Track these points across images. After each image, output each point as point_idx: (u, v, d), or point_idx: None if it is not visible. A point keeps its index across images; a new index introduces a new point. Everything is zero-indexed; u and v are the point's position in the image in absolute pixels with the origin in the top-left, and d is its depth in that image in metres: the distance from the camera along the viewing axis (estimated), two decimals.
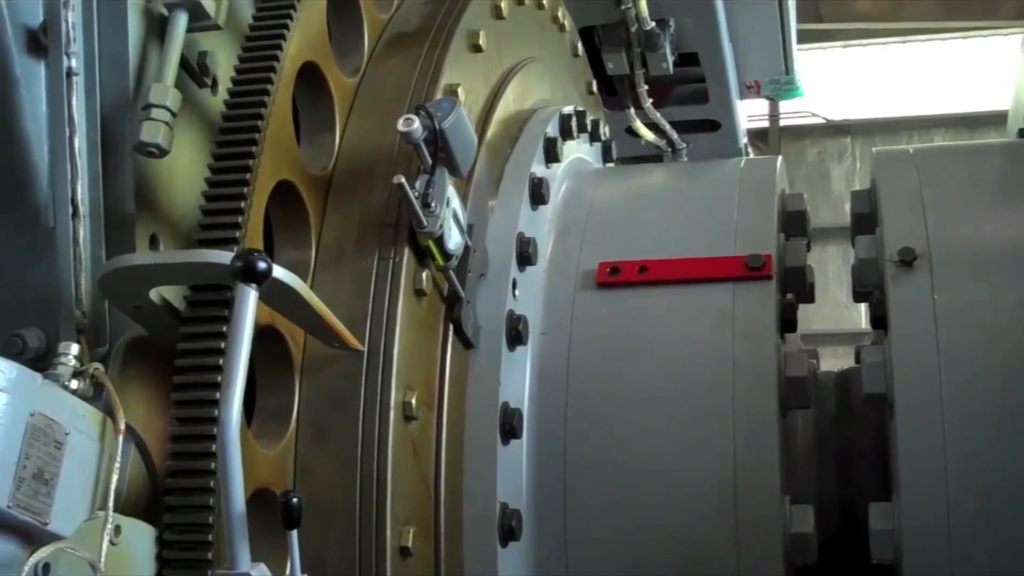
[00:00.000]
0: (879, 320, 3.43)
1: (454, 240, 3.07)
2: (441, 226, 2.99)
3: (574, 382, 3.41)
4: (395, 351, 2.93)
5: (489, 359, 3.29)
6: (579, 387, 3.41)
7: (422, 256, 3.06)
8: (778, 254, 3.54)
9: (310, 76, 3.18)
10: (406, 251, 3.02)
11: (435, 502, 3.06)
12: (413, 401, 2.95)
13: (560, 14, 4.60)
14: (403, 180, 2.86)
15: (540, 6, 4.36)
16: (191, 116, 2.94)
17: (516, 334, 3.36)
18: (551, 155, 3.82)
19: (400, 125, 2.87)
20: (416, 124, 2.86)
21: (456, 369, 3.21)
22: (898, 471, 3.11)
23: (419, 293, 3.06)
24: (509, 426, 3.24)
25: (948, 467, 3.05)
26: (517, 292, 3.43)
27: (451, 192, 3.05)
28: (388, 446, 2.86)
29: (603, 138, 4.48)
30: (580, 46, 4.88)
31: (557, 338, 3.48)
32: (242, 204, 2.80)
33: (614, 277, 3.56)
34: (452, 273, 3.15)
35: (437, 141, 2.94)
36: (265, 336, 2.81)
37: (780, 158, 4.05)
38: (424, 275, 3.06)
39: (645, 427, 3.35)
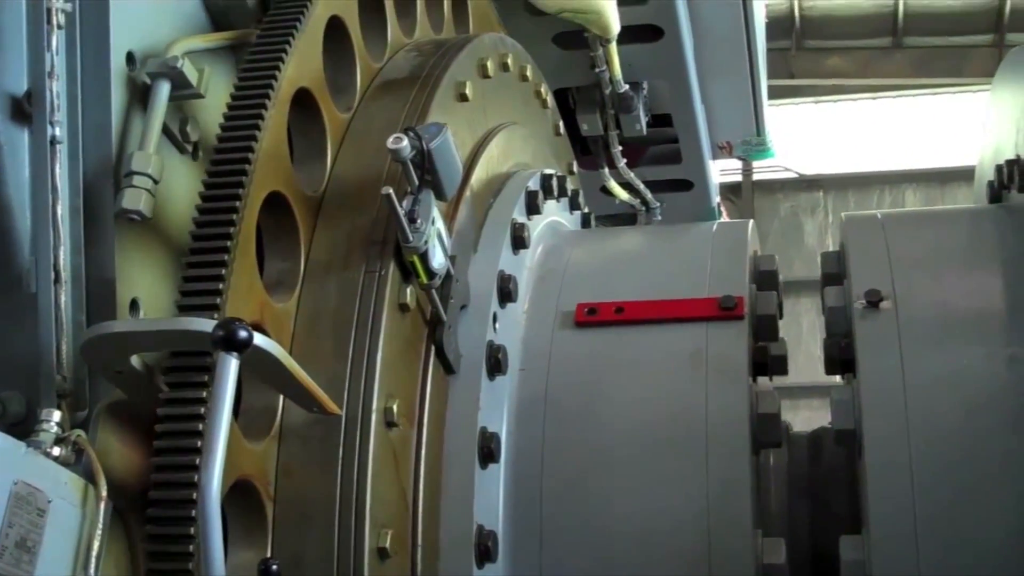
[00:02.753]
0: (848, 364, 3.52)
1: (438, 259, 3.15)
2: (426, 242, 3.07)
3: (551, 416, 3.48)
4: (378, 358, 2.99)
5: (469, 384, 3.35)
6: (556, 421, 3.47)
7: (407, 274, 3.14)
8: (750, 303, 3.63)
9: (305, 104, 3.28)
10: (392, 265, 3.10)
11: (413, 513, 3.09)
12: (395, 408, 3.00)
13: (543, 90, 4.76)
14: (391, 191, 2.94)
15: (524, 77, 4.51)
16: (172, 181, 2.98)
17: (496, 363, 3.42)
18: (532, 208, 3.93)
19: (389, 143, 2.96)
20: (405, 142, 2.96)
21: (436, 391, 3.27)
22: (867, 504, 3.17)
23: (403, 308, 3.13)
24: (487, 449, 3.30)
25: (916, 499, 3.12)
26: (497, 326, 3.51)
27: (436, 213, 3.13)
28: (369, 447, 2.91)
29: (583, 209, 4.58)
30: (561, 126, 5.02)
31: (535, 373, 3.56)
32: (236, 203, 2.87)
33: (591, 317, 3.65)
34: (435, 294, 3.22)
35: (424, 162, 3.02)
36: None
37: (752, 221, 4.15)
38: (408, 291, 3.14)
39: (620, 462, 3.41)
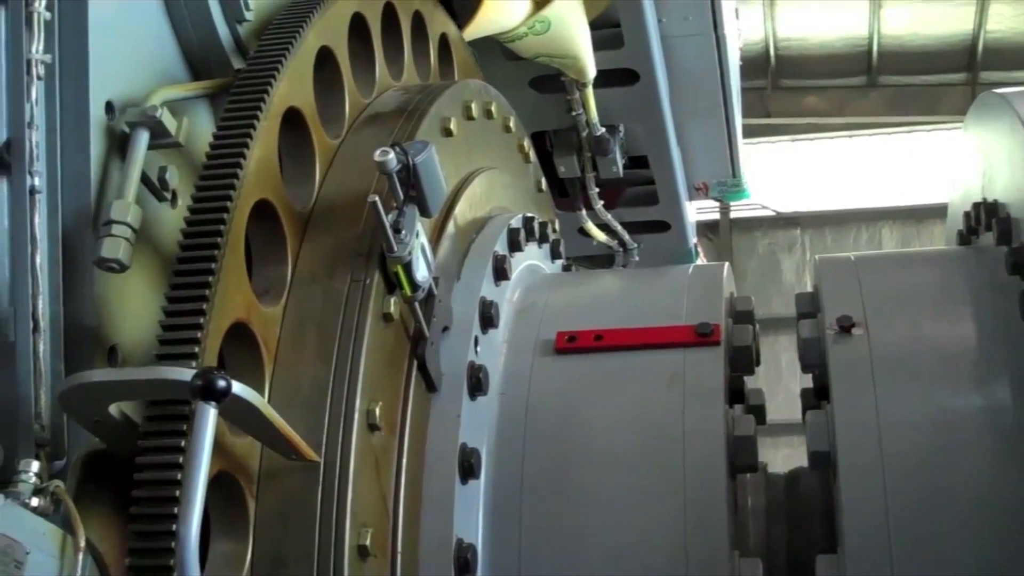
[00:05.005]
0: (822, 391, 3.60)
1: (421, 272, 3.19)
2: (410, 253, 3.12)
3: (531, 436, 3.53)
4: (362, 361, 3.03)
5: (450, 401, 3.40)
6: (536, 442, 3.52)
7: (392, 287, 3.20)
8: (726, 334, 3.70)
9: (295, 125, 3.34)
10: (376, 275, 3.15)
11: (393, 519, 3.11)
12: (377, 411, 3.04)
13: (525, 144, 4.86)
14: (376, 199, 3.01)
15: (507, 128, 4.61)
16: (150, 230, 3.00)
17: (477, 382, 3.46)
18: (514, 244, 4.00)
19: (376, 155, 3.03)
20: (391, 155, 3.04)
21: (418, 406, 3.30)
22: (842, 524, 3.24)
23: (387, 318, 3.18)
24: (468, 464, 3.33)
25: (889, 518, 3.19)
26: (478, 349, 3.56)
27: (420, 228, 3.19)
28: (352, 445, 2.93)
29: (564, 259, 4.66)
30: (544, 183, 5.12)
31: (516, 396, 3.61)
32: (228, 203, 2.91)
33: (571, 344, 3.72)
34: (419, 309, 3.26)
35: (409, 177, 3.09)
36: (237, 333, 2.91)
37: (727, 264, 4.22)
38: (392, 302, 3.19)
39: (599, 483, 3.46)
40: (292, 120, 3.32)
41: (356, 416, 2.97)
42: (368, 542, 2.91)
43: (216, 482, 2.69)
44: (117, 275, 2.86)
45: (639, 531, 3.37)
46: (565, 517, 3.42)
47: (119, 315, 2.92)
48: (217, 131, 3.09)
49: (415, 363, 3.31)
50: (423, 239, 3.21)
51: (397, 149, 3.06)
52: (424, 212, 3.21)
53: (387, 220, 3.05)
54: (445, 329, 3.47)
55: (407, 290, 3.18)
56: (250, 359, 2.99)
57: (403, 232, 3.10)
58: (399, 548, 3.10)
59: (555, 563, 3.38)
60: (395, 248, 3.09)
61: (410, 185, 3.12)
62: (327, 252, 3.23)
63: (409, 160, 3.09)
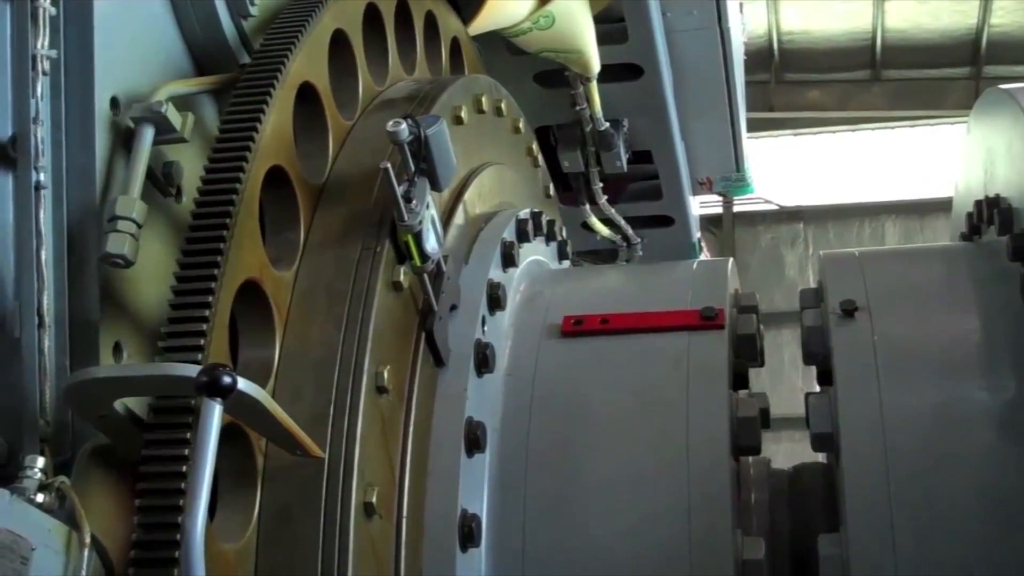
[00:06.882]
0: (826, 376, 3.63)
1: (431, 243, 3.22)
2: (420, 223, 3.15)
3: (537, 413, 3.57)
4: (371, 325, 3.06)
5: (458, 376, 3.43)
6: (542, 418, 3.56)
7: (402, 257, 3.23)
8: (731, 324, 3.74)
9: (309, 102, 3.38)
10: (387, 244, 3.18)
11: (399, 483, 3.14)
12: (385, 374, 3.06)
13: (534, 148, 4.89)
14: (388, 166, 3.04)
15: (517, 130, 4.63)
16: (155, 225, 3.01)
17: (484, 359, 3.49)
18: (522, 235, 4.04)
19: (388, 126, 3.08)
20: (403, 126, 3.08)
21: (425, 380, 3.32)
22: (844, 503, 3.26)
23: (396, 286, 3.21)
24: (474, 436, 3.35)
25: (892, 499, 3.22)
26: (486, 329, 3.59)
27: (431, 200, 3.22)
28: (360, 404, 2.97)
29: (571, 258, 4.69)
30: (552, 188, 5.17)
31: (522, 377, 3.66)
32: (244, 163, 2.96)
33: (577, 327, 3.78)
34: (427, 281, 3.28)
35: (420, 150, 3.13)
36: (250, 294, 2.95)
37: (732, 259, 4.25)
38: (402, 271, 3.22)
39: (603, 460, 3.49)
40: (307, 96, 3.36)
41: (364, 377, 3.00)
42: (374, 499, 2.93)
43: (226, 435, 2.69)
44: (122, 271, 2.86)
45: (641, 507, 3.41)
46: (569, 492, 3.46)
47: (124, 311, 2.93)
48: (234, 98, 3.13)
49: (423, 337, 3.34)
50: (433, 211, 3.24)
51: (409, 121, 3.10)
52: (435, 186, 3.24)
53: (398, 190, 3.08)
54: (453, 307, 3.49)
55: (417, 260, 3.20)
56: (262, 320, 3.04)
57: (414, 202, 3.14)
58: (404, 513, 3.13)
59: (558, 536, 3.41)
60: (406, 217, 3.12)
61: (421, 157, 3.15)
62: (339, 221, 3.27)
63: (421, 132, 3.12)
